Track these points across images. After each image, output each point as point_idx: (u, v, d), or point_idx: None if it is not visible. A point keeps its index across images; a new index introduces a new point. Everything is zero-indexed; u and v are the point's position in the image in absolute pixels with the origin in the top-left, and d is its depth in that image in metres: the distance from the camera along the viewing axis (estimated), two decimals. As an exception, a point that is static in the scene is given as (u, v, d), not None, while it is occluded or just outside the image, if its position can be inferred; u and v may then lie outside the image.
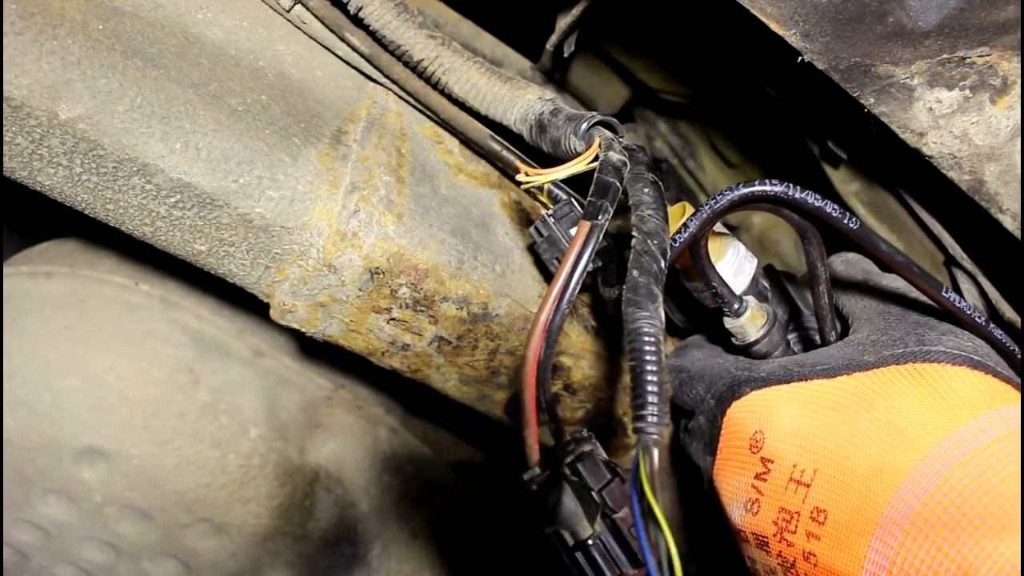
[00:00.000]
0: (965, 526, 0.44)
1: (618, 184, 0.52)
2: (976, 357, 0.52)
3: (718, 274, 0.62)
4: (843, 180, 0.81)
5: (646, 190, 0.52)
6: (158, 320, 0.78)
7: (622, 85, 1.01)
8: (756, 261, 0.69)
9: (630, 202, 0.53)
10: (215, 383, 0.79)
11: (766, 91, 0.84)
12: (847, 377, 0.55)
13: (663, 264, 0.49)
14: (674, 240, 0.56)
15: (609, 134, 0.57)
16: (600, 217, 0.50)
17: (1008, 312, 0.70)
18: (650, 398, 0.43)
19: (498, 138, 0.70)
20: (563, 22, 0.78)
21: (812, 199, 0.51)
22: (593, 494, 0.48)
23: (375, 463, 0.88)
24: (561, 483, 0.49)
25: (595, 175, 0.53)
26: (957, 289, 0.75)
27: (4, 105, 0.52)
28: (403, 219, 0.62)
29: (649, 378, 0.43)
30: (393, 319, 0.64)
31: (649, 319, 0.45)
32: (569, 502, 0.48)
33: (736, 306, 0.63)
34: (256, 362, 0.81)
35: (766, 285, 0.71)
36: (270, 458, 0.81)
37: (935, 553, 0.44)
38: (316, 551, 0.87)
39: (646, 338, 0.44)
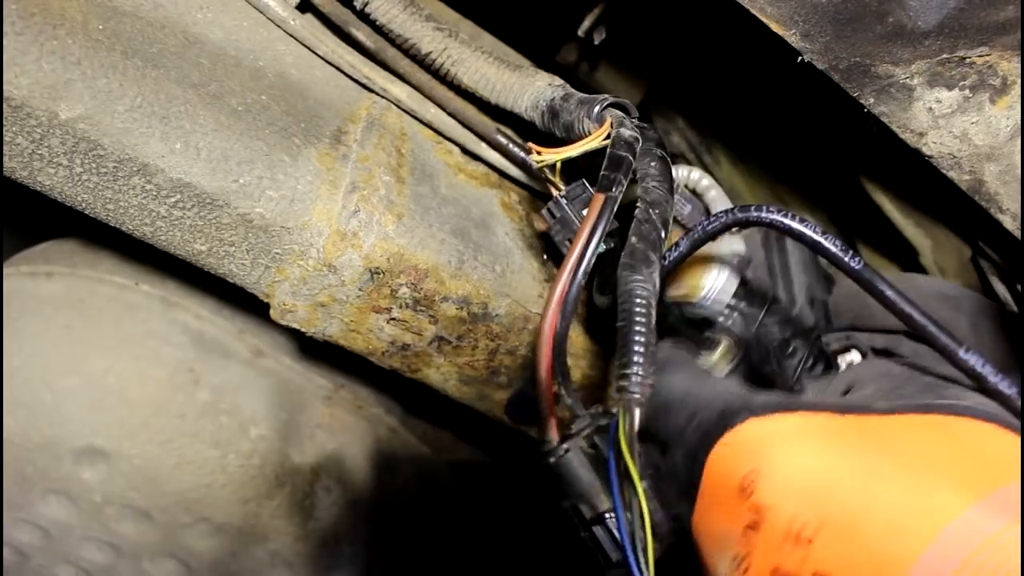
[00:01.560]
0: None
1: (631, 158, 0.52)
2: (1008, 419, 0.45)
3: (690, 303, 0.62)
4: (870, 178, 0.81)
5: (653, 163, 0.53)
6: (158, 320, 0.78)
7: (640, 81, 1.01)
8: (737, 281, 0.66)
9: (637, 176, 0.53)
10: (215, 383, 0.79)
11: (785, 88, 0.84)
12: (860, 417, 0.46)
13: (663, 234, 0.49)
14: (665, 258, 0.55)
15: (621, 114, 0.58)
16: (614, 189, 0.50)
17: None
18: (635, 357, 0.43)
19: (504, 130, 0.70)
20: (594, 11, 0.78)
21: (811, 231, 0.49)
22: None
23: (375, 463, 0.88)
24: (579, 456, 0.48)
25: (608, 151, 0.53)
26: (987, 288, 0.74)
27: (4, 105, 0.52)
28: (403, 219, 0.62)
29: (636, 338, 0.43)
30: (393, 319, 0.64)
31: (642, 283, 0.45)
32: (586, 475, 0.48)
33: (708, 343, 0.62)
34: (256, 362, 0.81)
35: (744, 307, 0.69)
36: (270, 458, 0.81)
37: None
38: (316, 551, 0.87)
39: (637, 300, 0.44)
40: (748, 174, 1.02)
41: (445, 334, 0.65)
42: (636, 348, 0.43)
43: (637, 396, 0.43)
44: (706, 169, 1.05)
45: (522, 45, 0.86)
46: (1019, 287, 0.70)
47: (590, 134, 0.57)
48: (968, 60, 0.53)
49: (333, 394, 0.86)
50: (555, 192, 0.61)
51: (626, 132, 0.54)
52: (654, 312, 0.45)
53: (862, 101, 0.56)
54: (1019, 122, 0.55)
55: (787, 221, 0.49)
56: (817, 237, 0.49)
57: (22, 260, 0.83)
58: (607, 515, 0.47)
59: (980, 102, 0.54)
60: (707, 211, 0.68)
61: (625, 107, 0.59)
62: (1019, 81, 0.54)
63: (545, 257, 0.72)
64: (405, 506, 0.91)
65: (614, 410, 0.44)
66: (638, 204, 0.51)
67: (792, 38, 0.53)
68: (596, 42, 0.82)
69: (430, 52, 0.68)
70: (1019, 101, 0.54)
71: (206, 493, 0.80)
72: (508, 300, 0.66)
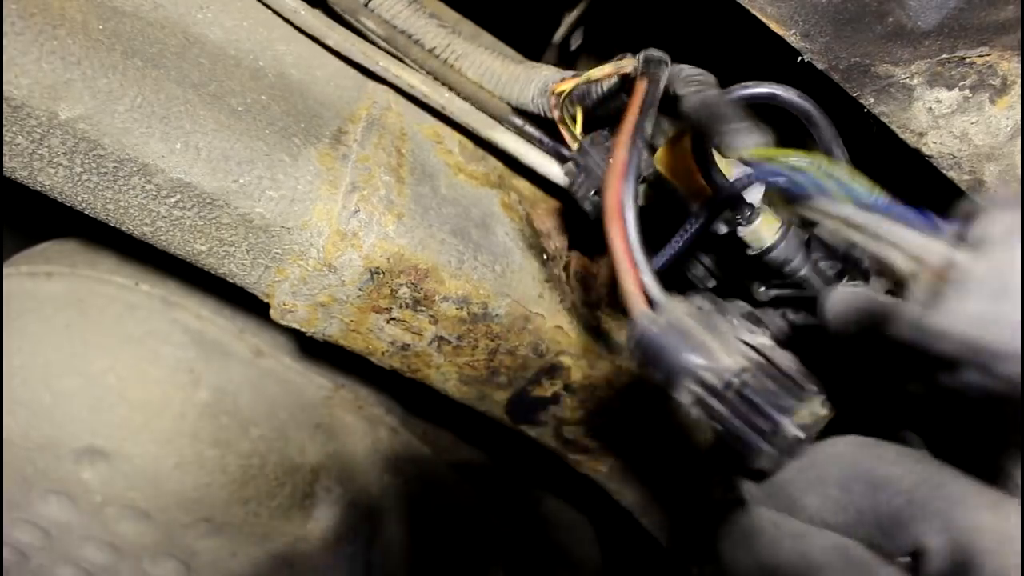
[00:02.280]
0: None
1: (666, 61, 0.52)
2: None
3: (722, 173, 0.54)
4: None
5: (691, 70, 0.53)
6: (158, 320, 0.79)
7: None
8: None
9: (674, 83, 0.52)
10: (215, 383, 0.79)
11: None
12: None
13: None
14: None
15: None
16: (659, 70, 0.49)
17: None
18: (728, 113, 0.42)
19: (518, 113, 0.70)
20: (570, 16, 0.78)
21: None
22: (725, 316, 0.41)
23: (375, 463, 0.88)
24: (682, 316, 0.39)
25: (642, 57, 0.52)
26: None
27: (4, 105, 0.52)
28: (403, 219, 0.62)
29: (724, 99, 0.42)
30: (393, 319, 0.64)
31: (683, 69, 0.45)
32: (698, 332, 0.38)
33: (747, 211, 0.55)
34: (256, 362, 0.82)
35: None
36: (270, 458, 0.81)
37: None
38: (316, 551, 0.87)
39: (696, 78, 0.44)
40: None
41: (445, 334, 0.65)
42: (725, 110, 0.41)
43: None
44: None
45: (521, 46, 0.86)
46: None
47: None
48: (968, 60, 0.53)
49: (333, 394, 0.86)
50: (574, 143, 0.60)
51: (655, 52, 0.54)
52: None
53: (862, 101, 0.56)
54: (1019, 122, 0.55)
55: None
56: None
57: (22, 260, 0.83)
58: (735, 377, 0.37)
59: (980, 102, 0.54)
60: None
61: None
62: (1019, 81, 0.54)
63: (545, 257, 0.72)
64: (405, 506, 0.91)
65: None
66: (682, 85, 0.50)
67: (792, 38, 0.53)
68: (572, 48, 0.83)
69: (434, 47, 0.68)
70: (1019, 101, 0.54)
71: (206, 493, 0.80)
72: (508, 300, 0.66)
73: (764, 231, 0.55)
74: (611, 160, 0.43)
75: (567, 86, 0.57)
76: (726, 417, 0.36)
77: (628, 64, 0.55)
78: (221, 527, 0.82)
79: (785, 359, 0.38)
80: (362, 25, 0.69)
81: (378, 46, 0.70)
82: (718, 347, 0.37)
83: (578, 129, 0.64)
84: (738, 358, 0.37)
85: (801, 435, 0.36)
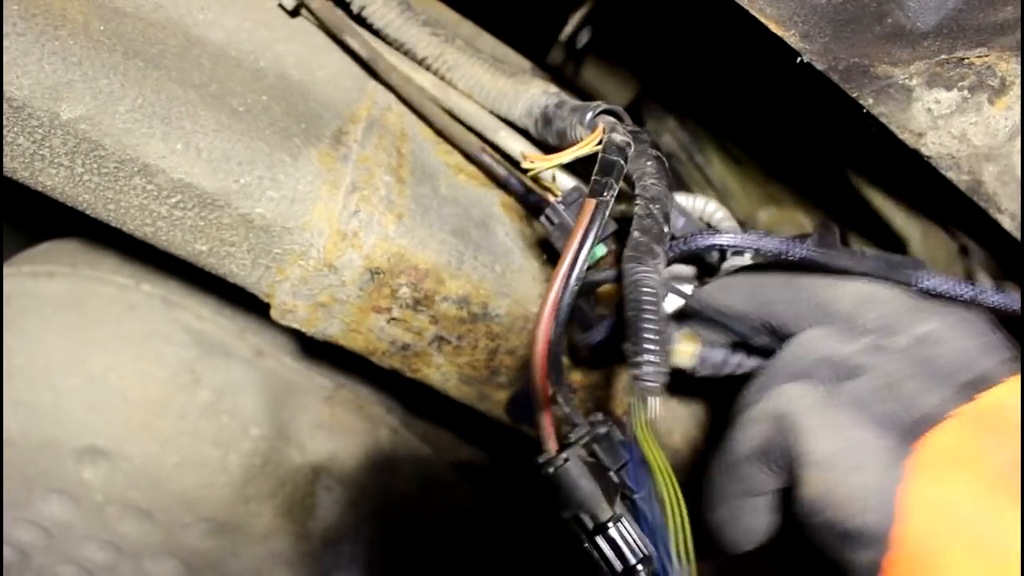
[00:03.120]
0: None
1: (622, 163, 0.52)
2: None
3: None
4: (856, 171, 0.81)
5: (649, 163, 0.53)
6: (159, 320, 0.79)
7: (632, 80, 1.01)
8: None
9: (634, 177, 0.53)
10: (216, 383, 0.79)
11: (776, 86, 0.84)
12: None
13: (665, 228, 0.49)
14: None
15: (613, 119, 0.57)
16: (605, 194, 0.49)
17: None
18: (647, 345, 0.42)
19: (489, 151, 0.70)
20: (577, 14, 0.78)
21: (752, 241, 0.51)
22: (611, 475, 0.47)
23: (375, 463, 0.88)
24: (578, 465, 0.46)
25: (599, 156, 0.52)
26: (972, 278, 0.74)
27: (6, 106, 0.52)
28: (403, 219, 0.62)
29: (647, 326, 0.42)
30: (393, 319, 0.64)
31: (648, 272, 0.45)
32: (587, 484, 0.46)
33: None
34: (257, 362, 0.82)
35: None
36: (271, 457, 0.82)
37: None
38: (317, 550, 0.87)
39: (645, 288, 0.44)
40: (740, 173, 1.03)
41: (445, 334, 0.66)
42: (647, 336, 0.42)
43: (652, 385, 0.42)
44: (697, 169, 1.05)
45: (521, 46, 0.86)
46: (1020, 286, 0.70)
47: (582, 140, 0.57)
48: (967, 61, 0.53)
49: (334, 394, 0.86)
50: (551, 198, 0.61)
51: (617, 137, 0.53)
52: (662, 302, 0.44)
53: (861, 101, 0.56)
54: (1018, 122, 0.55)
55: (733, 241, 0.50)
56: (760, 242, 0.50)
57: (23, 260, 0.83)
58: (609, 525, 0.45)
59: (979, 103, 0.54)
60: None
61: (618, 114, 0.59)
62: (1018, 82, 0.54)
63: (545, 258, 0.72)
64: (406, 506, 0.91)
65: (630, 402, 0.43)
66: (637, 202, 0.50)
67: (791, 39, 0.54)
68: (579, 46, 0.83)
69: (425, 58, 0.68)
70: (1018, 102, 0.54)
71: (207, 493, 0.80)
72: (508, 300, 0.66)
73: (682, 357, 0.60)
74: (544, 296, 0.47)
75: (537, 167, 0.57)
76: (591, 551, 0.45)
77: (590, 144, 0.55)
78: (222, 527, 0.82)
79: (654, 514, 0.45)
80: (346, 44, 0.68)
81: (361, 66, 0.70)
82: (601, 496, 0.45)
83: (554, 186, 0.65)
84: (617, 507, 0.46)
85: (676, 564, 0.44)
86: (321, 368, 0.86)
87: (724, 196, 1.04)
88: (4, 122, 0.53)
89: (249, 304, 0.75)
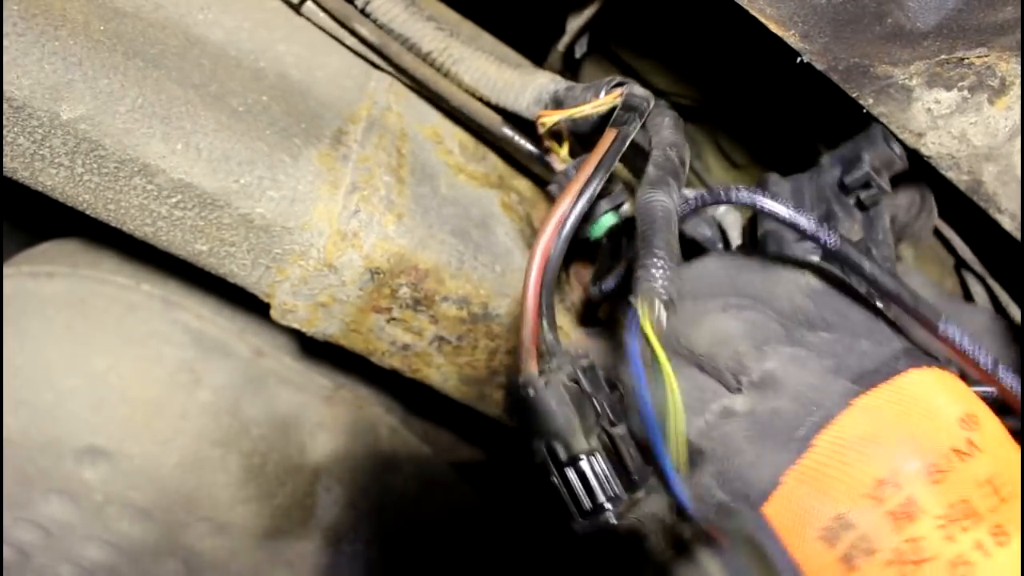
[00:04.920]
0: None
1: (646, 105, 0.52)
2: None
3: None
4: None
5: (666, 118, 0.53)
6: (159, 320, 0.79)
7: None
8: None
9: (651, 133, 0.53)
10: (216, 383, 0.79)
11: (772, 92, 0.84)
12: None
13: (679, 166, 0.49)
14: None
15: (627, 88, 0.58)
16: (628, 126, 0.49)
17: (1017, 315, 0.70)
18: (657, 251, 0.40)
19: (511, 125, 0.70)
20: (574, 23, 0.78)
21: (786, 209, 0.49)
22: (593, 402, 0.45)
23: (375, 463, 0.88)
24: (557, 391, 0.44)
25: (622, 101, 0.53)
26: (968, 294, 0.74)
27: (6, 106, 0.52)
28: (403, 219, 0.62)
29: (657, 238, 0.41)
30: (393, 319, 0.64)
31: (662, 197, 0.44)
32: (564, 410, 0.44)
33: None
34: (257, 362, 0.82)
35: None
36: (271, 457, 0.82)
37: None
38: (317, 550, 0.87)
39: (658, 209, 0.43)
40: (737, 178, 1.03)
41: (445, 334, 0.66)
42: (658, 245, 0.40)
43: (659, 288, 0.40)
44: (695, 175, 1.05)
45: (522, 47, 0.86)
46: (1020, 286, 0.70)
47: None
48: (967, 61, 0.53)
49: (334, 394, 0.86)
50: (559, 165, 0.61)
51: (638, 90, 0.54)
52: (675, 221, 0.43)
53: (861, 102, 0.56)
54: (1018, 122, 0.55)
55: (762, 200, 0.48)
56: (792, 215, 0.48)
57: (23, 260, 0.83)
58: (582, 457, 0.43)
59: (979, 103, 0.54)
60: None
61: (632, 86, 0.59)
62: (1018, 82, 0.54)
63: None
64: (406, 506, 0.91)
65: (633, 300, 0.40)
66: (654, 149, 0.50)
67: (791, 39, 0.54)
68: (578, 55, 0.83)
69: (431, 51, 0.68)
70: (1018, 102, 0.54)
71: (207, 492, 0.80)
72: (508, 300, 0.66)
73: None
74: (551, 208, 0.46)
75: (549, 120, 0.57)
76: (559, 485, 0.43)
77: (608, 102, 0.55)
78: (222, 526, 0.82)
79: (630, 453, 0.43)
80: (355, 31, 0.68)
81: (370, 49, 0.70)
82: (578, 427, 0.43)
83: (563, 154, 0.65)
84: (593, 441, 0.43)
85: (614, 521, 0.42)
86: (321, 368, 0.86)
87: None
88: (4, 122, 0.53)
89: (249, 304, 0.74)
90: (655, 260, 0.40)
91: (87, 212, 0.59)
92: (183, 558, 0.84)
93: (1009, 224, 0.58)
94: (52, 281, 0.79)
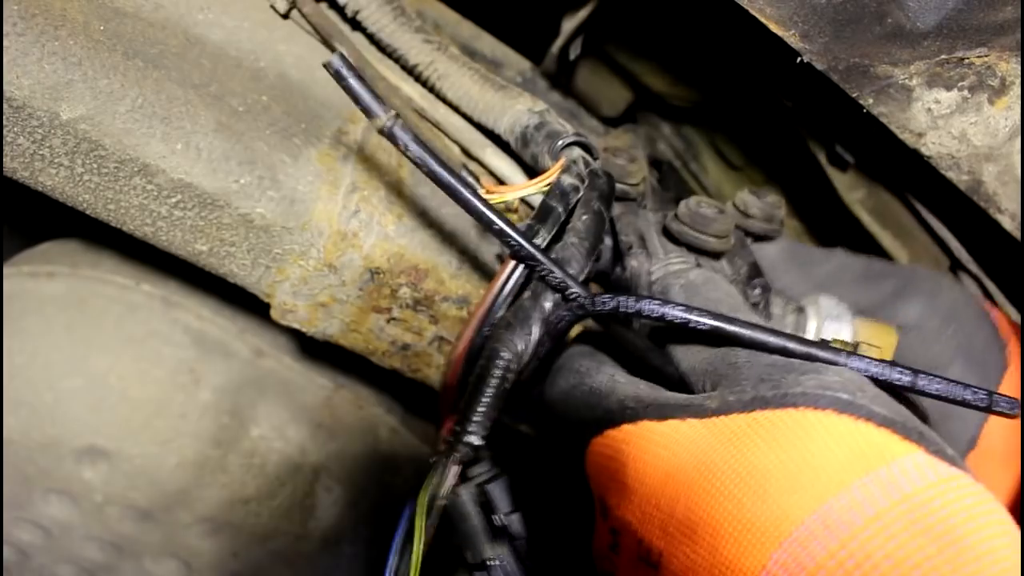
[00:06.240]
0: None
1: (560, 210, 0.52)
2: (845, 396, 0.38)
3: None
4: (848, 187, 0.81)
5: (585, 217, 0.52)
6: (159, 320, 0.79)
7: (626, 88, 1.01)
8: None
9: (568, 226, 0.52)
10: (216, 383, 0.79)
11: (770, 94, 0.84)
12: (681, 423, 0.41)
13: (550, 299, 0.49)
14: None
15: (577, 154, 0.56)
16: (531, 243, 0.49)
17: (1013, 315, 0.70)
18: (475, 416, 0.44)
19: (471, 167, 0.70)
20: (568, 25, 0.78)
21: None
22: (500, 517, 0.49)
23: (375, 463, 0.88)
24: (469, 503, 0.50)
25: (542, 200, 0.52)
26: None
27: (6, 106, 0.52)
28: (403, 219, 0.62)
29: (484, 399, 0.45)
30: (393, 319, 0.64)
31: (508, 347, 0.46)
32: (471, 522, 0.49)
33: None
34: (257, 362, 0.82)
35: None
36: (270, 458, 0.82)
37: None
38: (317, 551, 0.87)
39: (498, 363, 0.45)
40: (735, 180, 1.03)
41: (445, 334, 0.66)
42: (480, 409, 0.45)
43: (457, 455, 0.45)
44: (692, 176, 1.05)
45: (522, 47, 0.86)
46: (1020, 286, 0.70)
47: (547, 170, 0.56)
48: (967, 61, 0.53)
49: (333, 394, 0.86)
50: (519, 224, 0.60)
51: (567, 180, 0.53)
52: (511, 381, 0.46)
53: (861, 102, 0.56)
54: (1018, 122, 0.55)
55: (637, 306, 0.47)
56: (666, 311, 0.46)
57: (23, 260, 0.83)
58: (490, 563, 0.48)
59: (979, 103, 0.54)
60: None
61: (588, 146, 0.58)
62: (1018, 82, 0.54)
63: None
64: (406, 506, 0.91)
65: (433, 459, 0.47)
66: (555, 251, 0.50)
67: (791, 39, 0.54)
68: (571, 58, 0.82)
69: (417, 64, 0.68)
70: (1018, 102, 0.54)
71: (207, 492, 0.80)
72: (508, 300, 0.66)
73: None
74: (455, 343, 0.50)
75: (495, 199, 0.56)
76: None
77: (547, 178, 0.54)
78: (222, 527, 0.82)
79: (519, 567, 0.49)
80: (338, 46, 0.68)
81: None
82: (484, 536, 0.49)
83: (522, 215, 0.66)
84: (497, 549, 0.49)
85: None
86: (321, 368, 0.86)
87: (719, 202, 1.04)
88: (4, 122, 0.53)
89: (249, 304, 0.75)
90: (469, 424, 0.45)
91: (87, 212, 0.59)
92: (183, 558, 0.84)
93: (1009, 224, 0.58)
94: (52, 281, 0.79)
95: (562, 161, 0.55)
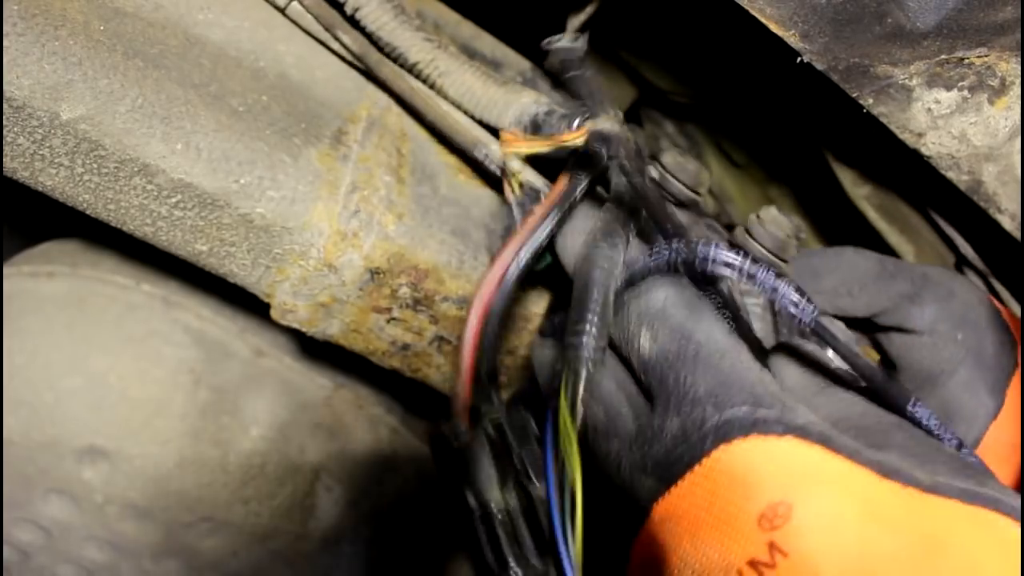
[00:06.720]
0: None
1: (605, 150, 0.51)
2: None
3: None
4: (854, 183, 0.81)
5: (628, 161, 0.51)
6: (159, 320, 0.79)
7: (629, 86, 1.01)
8: None
9: (610, 173, 0.52)
10: (216, 383, 0.79)
11: (774, 91, 0.84)
12: (902, 488, 0.38)
13: (635, 214, 0.48)
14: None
15: (603, 123, 0.56)
16: (579, 179, 0.48)
17: (1017, 312, 0.70)
18: (590, 316, 0.41)
19: (485, 142, 0.69)
20: (574, 22, 0.78)
21: (771, 280, 0.43)
22: (513, 456, 0.45)
23: (375, 463, 0.88)
24: (479, 443, 0.45)
25: (584, 142, 0.52)
26: None
27: (5, 106, 0.52)
28: (403, 219, 0.62)
29: (595, 297, 0.41)
30: (393, 319, 0.64)
31: (606, 254, 0.44)
32: (484, 461, 0.44)
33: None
34: (257, 362, 0.82)
35: None
36: (271, 457, 0.82)
37: None
38: (317, 550, 0.87)
39: (599, 269, 0.43)
40: (738, 178, 1.03)
41: (445, 334, 0.66)
42: (593, 307, 0.41)
43: (587, 355, 0.40)
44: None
45: (522, 47, 0.86)
46: (1020, 286, 0.70)
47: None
48: (967, 61, 0.53)
49: (333, 394, 0.86)
50: (511, 198, 0.60)
51: (605, 126, 0.52)
52: (613, 285, 0.43)
53: (861, 102, 0.56)
54: (1018, 123, 0.55)
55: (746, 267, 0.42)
56: (776, 285, 0.42)
57: (23, 260, 0.83)
58: (495, 514, 0.43)
59: (979, 103, 0.54)
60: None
61: (610, 122, 0.58)
62: (1018, 82, 0.54)
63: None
64: (406, 506, 0.91)
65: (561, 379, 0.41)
66: (612, 191, 0.49)
67: (791, 39, 0.54)
68: (576, 55, 0.82)
69: (417, 62, 0.68)
70: (1018, 102, 0.54)
71: (207, 492, 0.80)
72: (508, 300, 0.66)
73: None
74: (491, 264, 0.46)
75: (512, 147, 0.56)
76: (474, 531, 0.44)
77: (572, 139, 0.54)
78: (222, 526, 0.82)
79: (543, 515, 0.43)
80: (339, 40, 0.68)
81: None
82: (495, 481, 0.44)
83: (516, 188, 0.65)
84: (509, 498, 0.43)
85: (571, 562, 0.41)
86: (321, 368, 0.86)
87: (722, 200, 1.04)
88: (4, 122, 0.53)
89: (249, 304, 0.75)
90: (587, 325, 0.41)
91: (87, 212, 0.59)
92: (183, 558, 0.84)
93: (1009, 224, 0.58)
94: (52, 281, 0.79)
95: (588, 126, 0.54)
